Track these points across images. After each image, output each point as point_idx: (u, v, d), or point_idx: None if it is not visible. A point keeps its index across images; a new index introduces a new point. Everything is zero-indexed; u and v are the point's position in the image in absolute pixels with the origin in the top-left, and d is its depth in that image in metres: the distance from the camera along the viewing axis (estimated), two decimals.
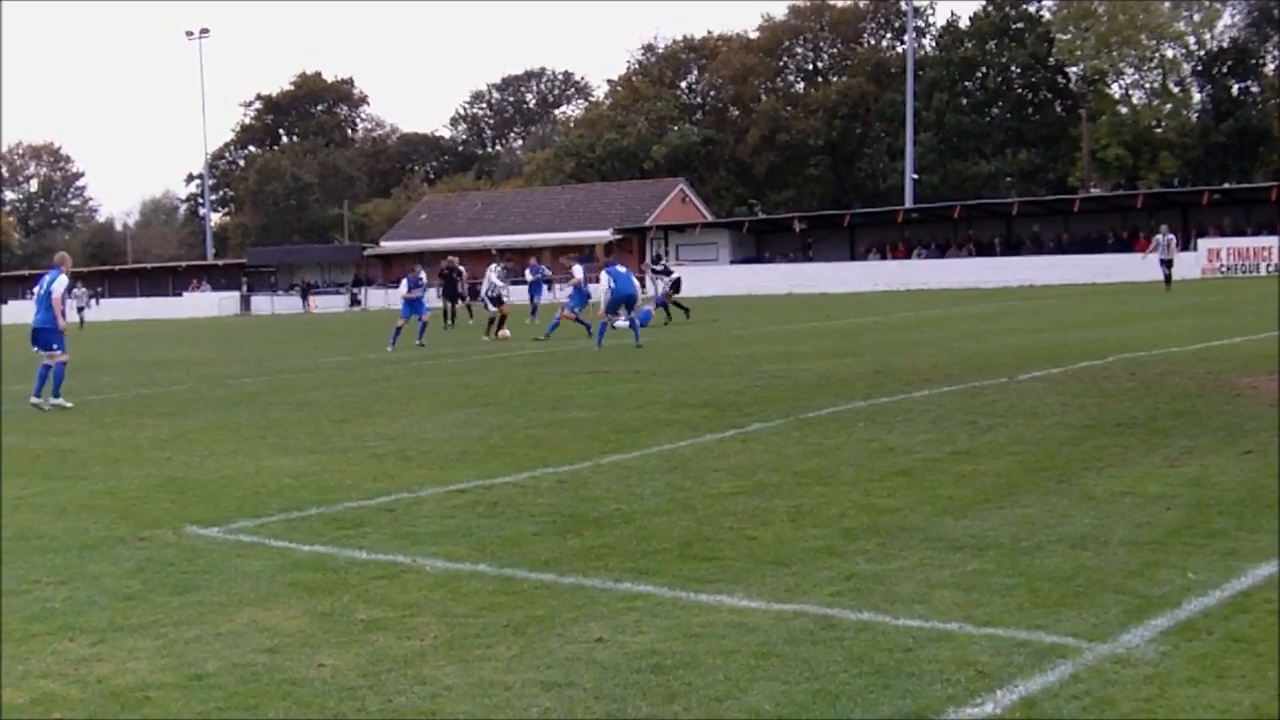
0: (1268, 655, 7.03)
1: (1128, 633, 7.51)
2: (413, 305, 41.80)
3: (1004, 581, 8.72)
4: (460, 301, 54.62)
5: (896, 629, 7.78)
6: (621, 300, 33.21)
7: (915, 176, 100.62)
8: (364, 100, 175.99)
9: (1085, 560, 9.21)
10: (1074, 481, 12.20)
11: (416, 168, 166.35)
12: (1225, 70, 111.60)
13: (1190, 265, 69.27)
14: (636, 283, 34.65)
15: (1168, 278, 55.77)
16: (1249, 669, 6.84)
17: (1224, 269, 70.38)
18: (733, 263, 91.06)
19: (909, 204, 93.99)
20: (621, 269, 34.14)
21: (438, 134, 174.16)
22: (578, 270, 41.67)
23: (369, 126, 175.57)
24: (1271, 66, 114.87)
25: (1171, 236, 58.53)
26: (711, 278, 79.19)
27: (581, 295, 40.65)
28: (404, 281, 42.82)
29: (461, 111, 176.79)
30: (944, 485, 12.30)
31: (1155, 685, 6.65)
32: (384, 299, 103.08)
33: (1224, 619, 7.71)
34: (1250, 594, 8.20)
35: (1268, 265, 69.37)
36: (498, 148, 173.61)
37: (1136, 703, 6.43)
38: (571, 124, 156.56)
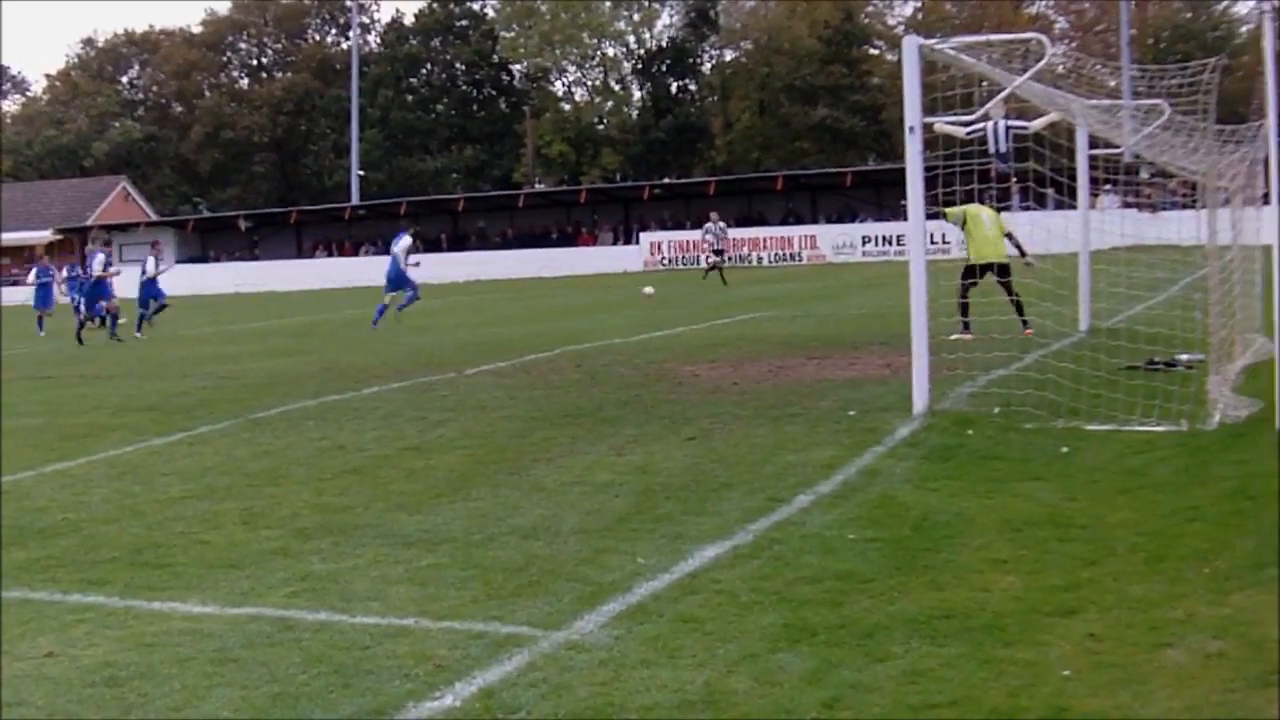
0: (717, 634, 7.26)
1: (581, 619, 7.66)
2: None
3: (458, 575, 8.79)
4: None
5: (354, 627, 7.77)
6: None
7: (361, 173, 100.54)
8: None
9: (537, 550, 9.35)
10: (524, 473, 12.37)
11: None
12: (664, 69, 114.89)
13: (633, 258, 71.24)
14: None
15: (718, 267, 52.22)
16: (699, 648, 7.06)
17: (665, 261, 72.49)
18: (178, 262, 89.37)
19: (355, 201, 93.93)
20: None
21: None
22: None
23: None
24: (708, 65, 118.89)
25: (722, 224, 55.26)
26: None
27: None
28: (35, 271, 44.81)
29: None
30: (396, 481, 12.32)
31: (610, 669, 6.80)
32: None
33: (673, 601, 7.94)
34: (698, 575, 8.46)
35: (706, 258, 71.82)
36: None
37: (592, 687, 6.57)
38: (8, 120, 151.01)
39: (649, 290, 42.71)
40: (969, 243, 21.99)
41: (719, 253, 53.03)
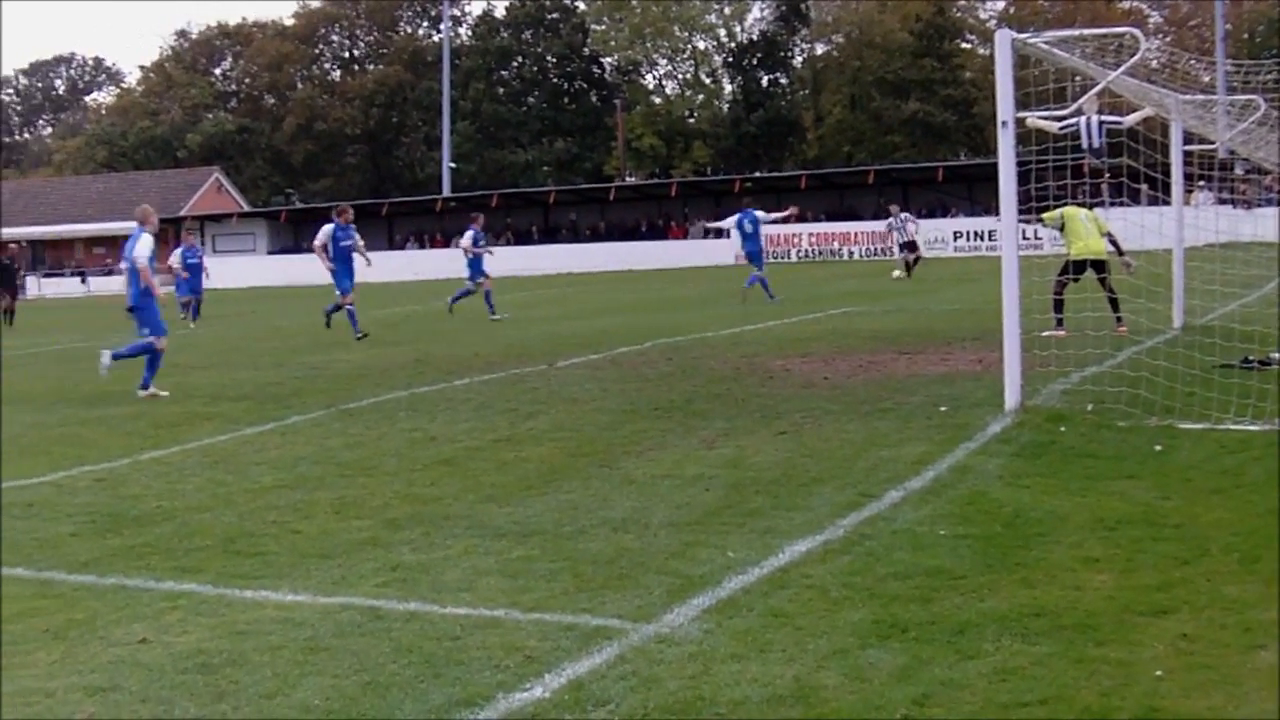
0: (807, 629, 7.25)
1: (671, 612, 7.67)
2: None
3: (549, 567, 8.81)
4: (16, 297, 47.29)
5: (444, 617, 7.81)
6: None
7: (453, 165, 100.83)
8: None
9: (627, 543, 9.36)
10: (615, 466, 12.39)
11: None
12: (755, 62, 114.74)
13: (724, 252, 71.10)
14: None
15: (910, 262, 47.68)
16: (789, 643, 7.04)
17: None
18: (271, 253, 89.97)
19: (446, 193, 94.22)
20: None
21: None
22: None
23: None
24: (799, 59, 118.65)
25: (906, 215, 50.37)
26: (250, 269, 78.15)
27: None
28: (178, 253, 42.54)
29: None
30: (487, 473, 12.37)
31: (699, 663, 6.80)
32: None
33: (763, 595, 7.92)
34: (788, 570, 8.44)
35: (798, 252, 71.59)
36: (26, 135, 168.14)
37: (681, 680, 6.57)
38: (103, 111, 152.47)
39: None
40: (1070, 241, 21.81)
41: (912, 245, 48.98)
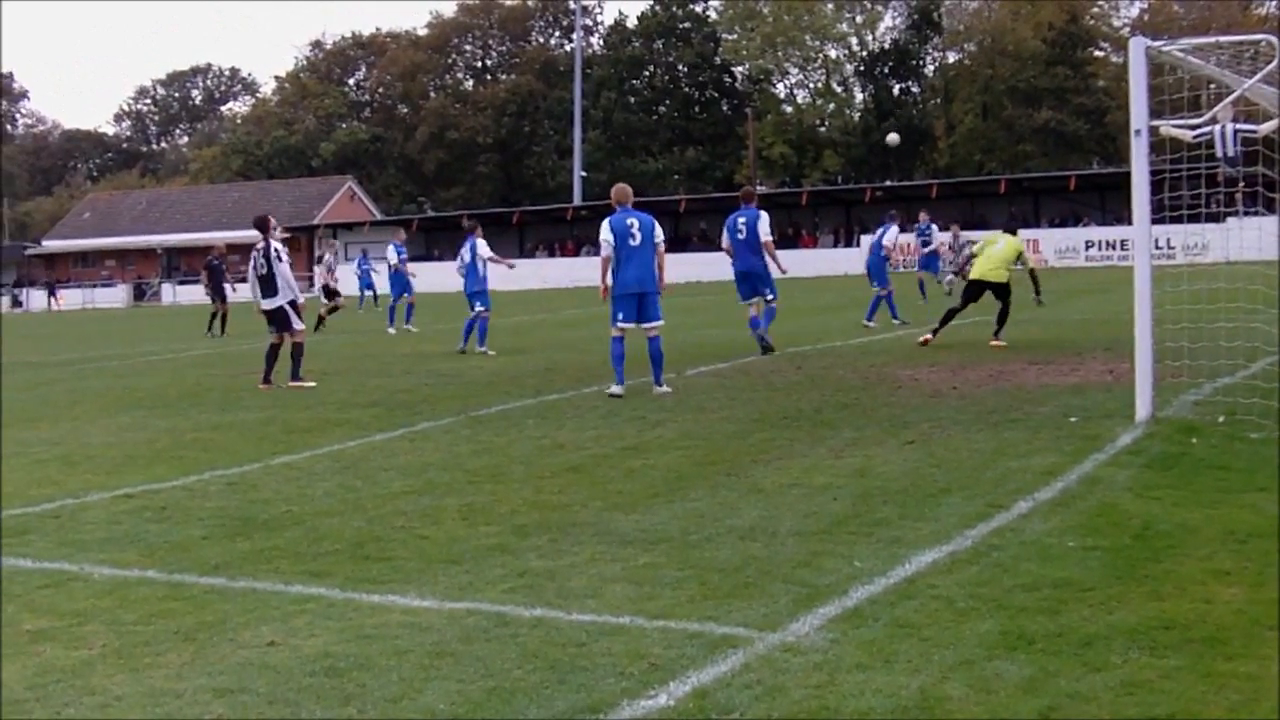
0: (933, 640, 7.19)
1: (797, 621, 7.63)
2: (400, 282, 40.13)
3: (675, 574, 8.80)
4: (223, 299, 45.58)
5: (570, 624, 7.81)
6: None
7: (584, 174, 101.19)
8: (25, 95, 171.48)
9: (754, 551, 9.33)
10: (742, 474, 12.35)
11: (80, 165, 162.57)
12: (887, 71, 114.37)
13: (854, 261, 70.81)
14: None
15: (957, 276, 41.60)
16: (915, 654, 6.99)
17: (889, 265, 72.04)
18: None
19: (577, 201, 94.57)
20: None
21: (101, 130, 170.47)
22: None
23: (30, 122, 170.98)
24: (931, 68, 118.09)
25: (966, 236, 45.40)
26: (382, 277, 78.58)
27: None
28: (391, 249, 41.90)
29: (126, 108, 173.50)
30: (614, 481, 12.37)
31: (825, 672, 6.76)
32: (44, 300, 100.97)
33: (890, 606, 7.87)
34: (915, 580, 8.39)
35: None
36: (163, 144, 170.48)
37: (806, 690, 6.54)
38: (238, 121, 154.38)
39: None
40: (976, 263, 24.08)
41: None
